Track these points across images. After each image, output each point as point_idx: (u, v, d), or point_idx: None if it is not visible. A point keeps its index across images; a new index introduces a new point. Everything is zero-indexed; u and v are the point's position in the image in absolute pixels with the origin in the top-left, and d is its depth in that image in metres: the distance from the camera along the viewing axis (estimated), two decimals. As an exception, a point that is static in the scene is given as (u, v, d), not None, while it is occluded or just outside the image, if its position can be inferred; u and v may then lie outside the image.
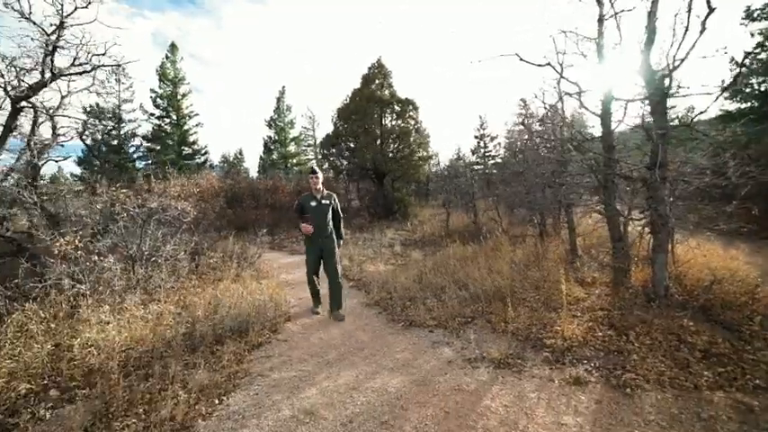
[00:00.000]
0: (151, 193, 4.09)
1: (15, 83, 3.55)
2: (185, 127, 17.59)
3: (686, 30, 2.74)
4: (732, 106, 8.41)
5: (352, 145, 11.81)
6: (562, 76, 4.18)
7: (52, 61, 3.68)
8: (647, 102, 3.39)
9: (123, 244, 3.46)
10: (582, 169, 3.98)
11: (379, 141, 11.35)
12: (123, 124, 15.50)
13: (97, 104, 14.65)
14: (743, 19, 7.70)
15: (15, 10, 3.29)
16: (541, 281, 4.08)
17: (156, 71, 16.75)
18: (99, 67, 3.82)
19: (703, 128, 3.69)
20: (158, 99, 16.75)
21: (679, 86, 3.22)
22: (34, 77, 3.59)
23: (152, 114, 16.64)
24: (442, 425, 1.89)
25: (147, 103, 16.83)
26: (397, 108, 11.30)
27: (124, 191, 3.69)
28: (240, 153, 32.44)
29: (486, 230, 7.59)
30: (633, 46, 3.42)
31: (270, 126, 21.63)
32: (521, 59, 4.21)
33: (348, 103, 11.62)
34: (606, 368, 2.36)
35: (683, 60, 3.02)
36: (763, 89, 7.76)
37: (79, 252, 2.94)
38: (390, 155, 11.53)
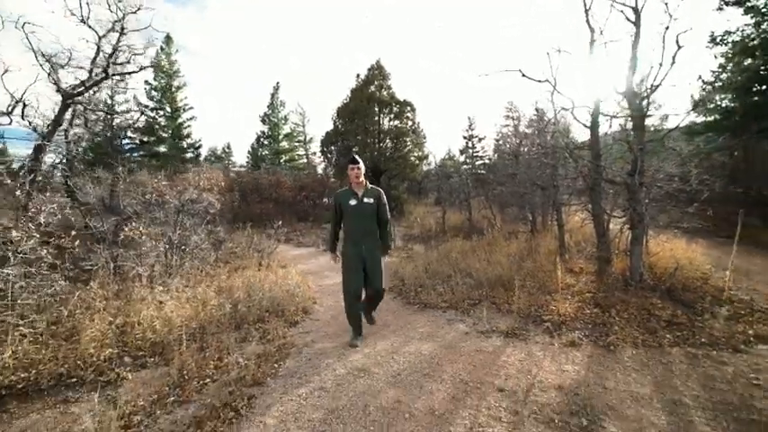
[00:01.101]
0: (185, 185, 4.40)
1: (66, 81, 3.82)
2: (179, 120, 17.48)
3: (660, 65, 3.35)
4: (700, 119, 9.37)
5: (351, 143, 12.21)
6: (556, 89, 4.77)
7: (109, 63, 3.96)
8: (629, 118, 4.03)
9: (162, 232, 3.81)
10: (574, 174, 4.59)
11: (377, 141, 11.81)
12: (116, 116, 15.28)
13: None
14: (708, 43, 8.63)
15: (74, 15, 3.55)
16: (535, 270, 4.68)
17: (151, 62, 16.54)
18: (146, 67, 4.12)
19: (674, 140, 4.37)
20: (153, 91, 16.58)
21: (655, 107, 3.87)
22: (81, 76, 3.86)
23: (146, 107, 16.46)
24: (472, 374, 2.42)
25: (140, 95, 16.63)
26: (395, 109, 11.79)
27: (165, 182, 4.01)
28: (228, 147, 32.15)
29: (481, 227, 8.22)
30: (619, 69, 4.05)
31: (263, 122, 21.68)
32: (523, 75, 4.78)
33: (348, 103, 12.02)
34: (594, 335, 2.95)
35: (658, 86, 3.66)
36: (724, 105, 8.72)
37: (143, 238, 3.29)
38: (388, 154, 12.01)
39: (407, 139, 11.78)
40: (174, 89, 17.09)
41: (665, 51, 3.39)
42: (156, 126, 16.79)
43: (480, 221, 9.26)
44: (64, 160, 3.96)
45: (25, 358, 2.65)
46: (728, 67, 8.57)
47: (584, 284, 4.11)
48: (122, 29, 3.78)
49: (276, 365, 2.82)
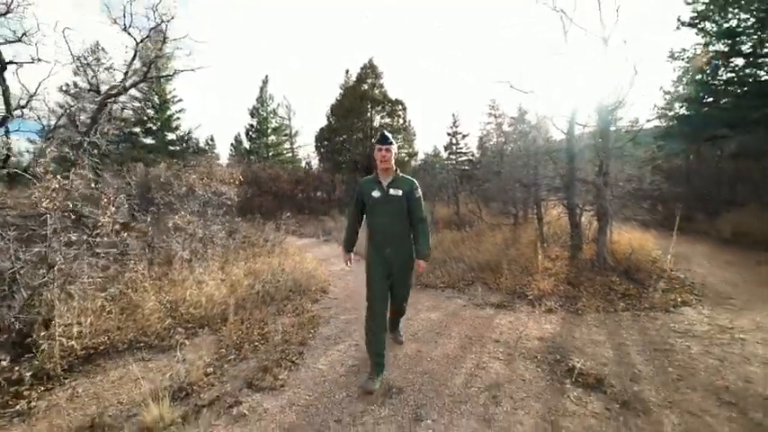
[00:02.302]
0: (209, 179, 4.83)
1: (103, 83, 4.16)
2: (168, 112, 17.29)
3: (621, 87, 4.11)
4: (664, 124, 10.48)
5: (343, 139, 12.70)
6: (538, 100, 5.50)
7: (149, 68, 4.33)
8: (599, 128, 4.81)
9: (187, 221, 4.27)
10: (552, 173, 5.36)
11: (369, 138, 12.35)
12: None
13: (75, 83, 14.06)
14: (667, 58, 9.69)
15: (117, 23, 3.88)
16: (519, 256, 5.43)
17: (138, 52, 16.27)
18: (181, 71, 4.50)
19: (636, 145, 5.20)
20: (97, 68, 16.26)
21: (619, 118, 4.67)
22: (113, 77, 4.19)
23: (134, 97, 16.18)
24: (473, 332, 3.10)
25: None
26: (387, 107, 12.34)
27: (194, 176, 4.45)
28: (212, 139, 31.64)
29: (468, 220, 8.98)
30: (592, 85, 4.81)
31: (252, 115, 21.65)
32: (511, 87, 5.48)
33: (341, 100, 12.46)
34: (566, 304, 3.70)
35: (621, 102, 4.43)
36: (681, 113, 9.85)
37: (190, 225, 3.75)
38: (379, 150, 12.54)
39: (399, 137, 12.39)
40: (162, 81, 16.86)
41: (628, 73, 4.15)
42: (145, 118, 16.57)
43: (467, 215, 10.05)
44: (95, 153, 4.31)
45: (101, 327, 3.12)
46: (683, 80, 9.67)
47: (560, 267, 4.89)
48: (164, 38, 4.16)
49: (312, 332, 3.40)
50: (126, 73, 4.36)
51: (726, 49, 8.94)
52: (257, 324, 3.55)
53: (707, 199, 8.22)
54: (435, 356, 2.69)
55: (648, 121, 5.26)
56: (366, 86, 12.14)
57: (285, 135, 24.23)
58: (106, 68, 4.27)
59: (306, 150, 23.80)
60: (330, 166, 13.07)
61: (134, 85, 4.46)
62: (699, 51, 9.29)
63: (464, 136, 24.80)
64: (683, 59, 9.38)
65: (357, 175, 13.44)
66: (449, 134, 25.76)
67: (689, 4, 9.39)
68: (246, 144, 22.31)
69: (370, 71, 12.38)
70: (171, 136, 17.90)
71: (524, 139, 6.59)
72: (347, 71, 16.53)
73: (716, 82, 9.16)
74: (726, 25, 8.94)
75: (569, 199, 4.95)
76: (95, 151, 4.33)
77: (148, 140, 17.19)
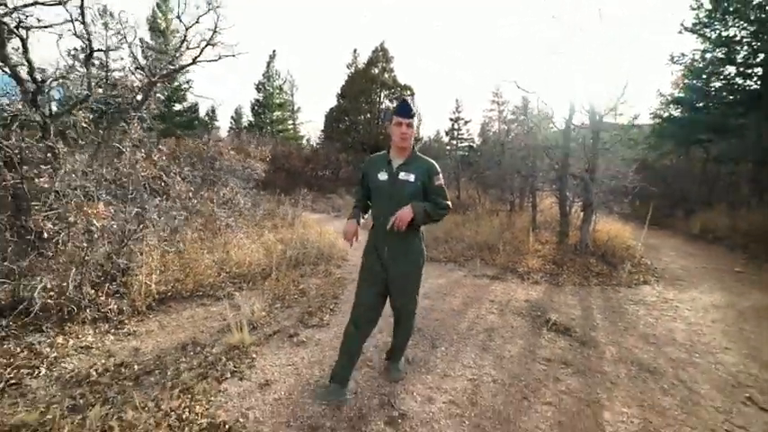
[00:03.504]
0: (243, 155, 5.42)
1: (154, 67, 4.64)
2: (175, 83, 17.34)
3: (613, 92, 4.73)
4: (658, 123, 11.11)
5: (352, 120, 13.12)
6: (540, 99, 6.10)
7: (200, 53, 4.80)
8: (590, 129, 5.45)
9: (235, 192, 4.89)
10: (548, 167, 6.03)
11: (378, 120, 12.79)
12: (110, 73, 15.05)
13: (81, 47, 14.02)
14: (667, 62, 10.21)
15: (170, 10, 4.32)
16: (513, 239, 6.18)
17: (147, 21, 16.13)
18: (225, 56, 4.94)
19: (629, 144, 5.86)
20: (149, 51, 16.23)
21: (617, 115, 5.32)
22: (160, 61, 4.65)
23: (140, 67, 16.16)
24: (473, 294, 3.86)
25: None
26: (396, 92, 12.73)
27: (233, 152, 5.01)
28: (213, 111, 31.47)
29: (468, 204, 9.70)
30: (586, 88, 5.41)
31: (258, 90, 21.69)
32: (518, 87, 6.05)
33: (352, 82, 12.79)
34: (550, 279, 4.47)
35: (612, 109, 5.07)
36: (674, 115, 10.50)
37: (237, 196, 4.38)
38: (386, 132, 13.04)
39: (407, 122, 12.81)
40: (161, 47, 16.78)
41: (621, 81, 4.76)
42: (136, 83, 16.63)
43: (467, 199, 10.76)
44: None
45: (169, 277, 3.80)
46: (680, 84, 10.25)
47: (548, 250, 5.65)
48: (216, 27, 4.61)
49: (341, 289, 4.12)
50: (173, 56, 4.80)
51: (722, 57, 9.49)
52: (292, 282, 4.26)
53: (686, 198, 9.01)
54: (444, 309, 3.45)
55: (634, 124, 5.82)
56: (377, 70, 12.46)
57: (289, 111, 24.36)
58: (158, 52, 4.68)
59: (307, 127, 24.06)
60: (339, 146, 13.55)
61: (183, 67, 4.93)
62: (697, 57, 9.84)
63: (466, 122, 25.17)
64: (681, 64, 9.92)
65: (365, 157, 13.97)
66: (451, 119, 25.99)
67: (693, 9, 9.82)
68: (252, 118, 22.45)
69: (381, 55, 12.66)
70: (177, 107, 18.05)
71: (525, 129, 7.21)
72: (355, 50, 16.71)
73: (709, 88, 9.76)
74: (725, 34, 9.43)
75: (561, 191, 5.65)
76: (144, 125, 4.86)
77: (155, 111, 17.34)
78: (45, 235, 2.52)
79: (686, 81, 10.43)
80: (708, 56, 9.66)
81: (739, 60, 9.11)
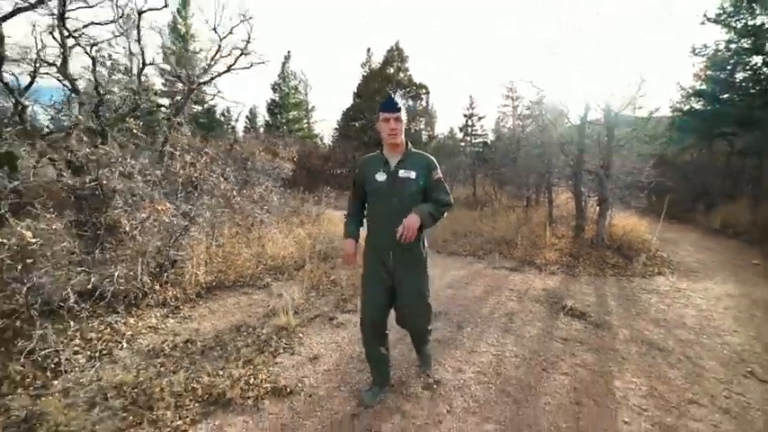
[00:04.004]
0: (273, 156, 5.82)
1: (192, 75, 5.09)
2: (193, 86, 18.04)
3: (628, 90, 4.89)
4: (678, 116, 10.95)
5: (367, 120, 13.43)
6: (556, 98, 6.25)
7: (235, 62, 5.22)
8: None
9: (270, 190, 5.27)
10: (563, 164, 6.20)
11: (393, 119, 13.03)
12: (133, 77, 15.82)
13: (109, 55, 14.77)
14: (689, 53, 10.07)
15: (208, 23, 4.74)
16: (529, 233, 6.38)
17: (168, 26, 16.86)
18: (257, 64, 5.34)
19: (647, 140, 5.98)
20: (170, 56, 16.96)
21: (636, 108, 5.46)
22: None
23: (164, 70, 16.92)
24: (493, 284, 4.13)
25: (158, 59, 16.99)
26: (412, 91, 12.96)
27: (263, 153, 5.40)
28: (228, 111, 32.30)
29: (484, 201, 9.89)
30: (602, 88, 5.56)
31: (274, 90, 22.24)
32: (533, 86, 6.22)
33: (367, 82, 13.09)
34: (566, 270, 4.69)
35: (629, 103, 5.21)
36: (696, 108, 10.35)
37: (272, 195, 4.77)
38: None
39: (422, 120, 13.09)
40: (189, 53, 17.48)
41: (635, 79, 4.91)
42: (174, 90, 17.39)
43: (483, 196, 10.94)
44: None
45: (213, 269, 4.21)
46: (702, 76, 10.09)
47: (564, 243, 5.84)
48: (249, 38, 5.00)
49: (368, 280, 4.46)
50: (208, 65, 5.24)
51: (748, 47, 9.28)
52: (324, 274, 4.61)
53: (708, 192, 8.94)
54: (467, 297, 3.74)
55: (652, 116, 5.90)
56: (392, 70, 12.73)
57: (304, 111, 24.87)
58: (194, 60, 5.14)
59: (320, 126, 24.53)
60: (356, 144, 13.90)
61: (218, 76, 5.36)
62: (721, 47, 9.61)
63: (480, 118, 25.07)
64: (704, 55, 9.75)
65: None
66: (465, 116, 25.94)
67: (718, -2, 9.60)
68: (269, 118, 23.04)
69: (396, 54, 12.91)
70: (195, 108, 18.78)
71: (540, 126, 7.36)
72: (368, 50, 17.02)
73: (734, 79, 9.57)
74: (751, 23, 9.21)
75: (576, 186, 5.82)
76: (183, 129, 5.30)
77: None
78: (125, 229, 2.92)
79: (709, 73, 10.23)
80: (733, 46, 9.45)
81: (767, 50, 8.91)
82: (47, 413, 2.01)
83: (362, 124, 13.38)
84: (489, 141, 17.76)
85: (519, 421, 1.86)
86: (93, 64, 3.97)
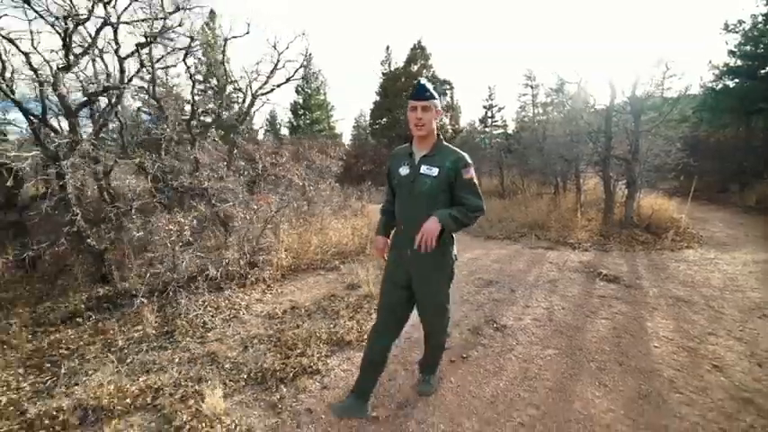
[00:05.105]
0: (322, 156, 6.61)
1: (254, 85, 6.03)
2: (225, 92, 19.22)
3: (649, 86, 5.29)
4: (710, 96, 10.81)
5: (394, 116, 14.04)
6: (584, 90, 6.66)
7: (294, 74, 6.08)
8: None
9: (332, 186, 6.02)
10: (591, 151, 6.63)
11: (418, 115, 13.59)
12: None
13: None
14: (721, 30, 10.00)
15: (269, 41, 5.62)
16: (560, 218, 6.86)
17: (198, 33, 17.98)
18: (303, 77, 6.12)
19: (668, 124, 6.32)
20: (201, 66, 18.19)
21: (646, 107, 5.82)
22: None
23: (197, 80, 18.11)
24: (534, 259, 4.72)
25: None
26: (436, 88, 13.44)
27: (317, 153, 6.18)
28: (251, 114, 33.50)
29: (511, 190, 10.34)
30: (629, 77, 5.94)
31: (297, 92, 23.18)
32: (560, 78, 6.65)
33: (393, 80, 13.68)
34: (598, 247, 5.20)
35: (650, 95, 5.59)
36: (729, 86, 10.24)
37: (334, 190, 5.53)
38: (427, 126, 13.82)
39: (447, 115, 13.56)
40: (219, 64, 18.56)
41: (660, 68, 5.30)
42: (207, 99, 18.64)
43: (510, 185, 11.35)
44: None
45: (290, 254, 4.99)
46: (737, 53, 9.93)
47: (594, 225, 6.31)
48: (307, 53, 5.77)
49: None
50: (268, 78, 6.10)
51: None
52: (375, 259, 5.30)
53: (744, 171, 8.96)
54: (512, 269, 4.35)
55: (681, 96, 6.12)
56: (416, 67, 13.24)
57: (326, 111, 25.73)
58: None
59: (341, 124, 25.24)
60: (386, 141, 14.56)
61: (278, 86, 6.26)
62: (760, 20, 9.38)
63: (500, 109, 25.08)
64: (738, 32, 9.66)
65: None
66: (484, 107, 25.98)
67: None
68: (293, 119, 24.03)
69: (419, 52, 13.40)
70: (224, 113, 19.98)
71: (562, 112, 7.76)
72: (387, 47, 17.54)
73: (771, 53, 9.34)
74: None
75: (605, 171, 6.25)
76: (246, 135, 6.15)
77: (207, 119, 19.36)
78: (238, 221, 3.71)
79: (743, 48, 10.04)
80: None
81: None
82: (215, 351, 2.80)
83: (389, 121, 13.99)
84: (512, 131, 17.95)
85: (573, 346, 2.48)
86: (193, 87, 4.81)
